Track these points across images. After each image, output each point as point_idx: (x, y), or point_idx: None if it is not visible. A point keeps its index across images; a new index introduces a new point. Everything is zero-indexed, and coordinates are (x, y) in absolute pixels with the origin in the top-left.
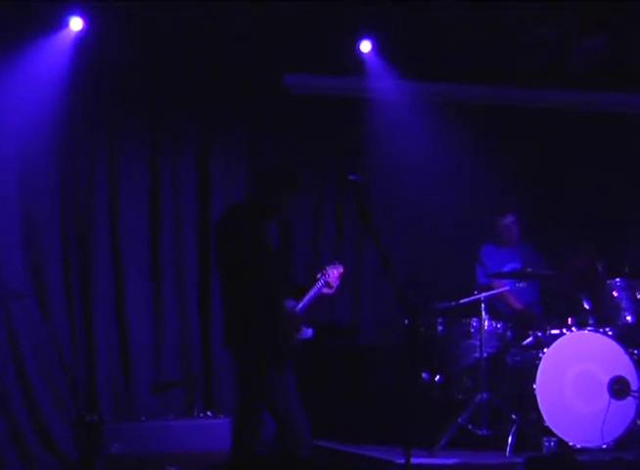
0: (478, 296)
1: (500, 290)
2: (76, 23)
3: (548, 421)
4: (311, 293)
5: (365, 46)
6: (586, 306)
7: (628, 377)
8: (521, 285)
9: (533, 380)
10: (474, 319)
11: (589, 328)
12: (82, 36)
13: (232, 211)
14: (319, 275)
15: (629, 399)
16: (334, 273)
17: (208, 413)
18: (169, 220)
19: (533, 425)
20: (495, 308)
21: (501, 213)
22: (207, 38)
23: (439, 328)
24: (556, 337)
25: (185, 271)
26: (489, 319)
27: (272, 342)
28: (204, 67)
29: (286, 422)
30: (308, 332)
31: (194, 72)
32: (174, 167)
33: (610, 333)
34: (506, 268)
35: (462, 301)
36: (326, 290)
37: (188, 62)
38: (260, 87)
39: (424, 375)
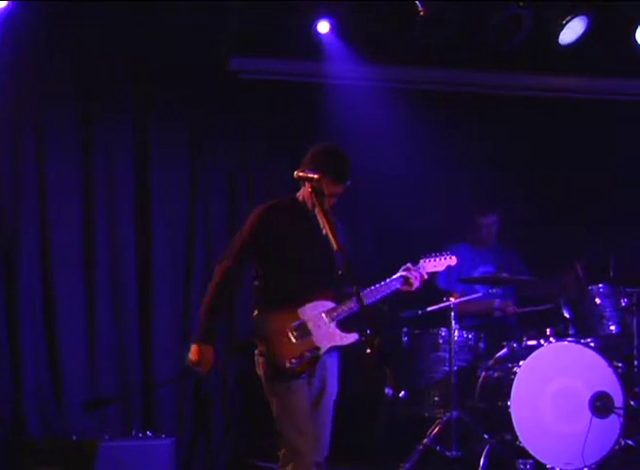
0: (446, 303)
1: (473, 296)
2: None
3: (524, 441)
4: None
5: (323, 27)
6: (566, 315)
7: (611, 393)
8: (495, 291)
9: (508, 396)
10: (442, 329)
11: (569, 339)
12: (5, 18)
13: None
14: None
15: (613, 416)
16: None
17: (148, 433)
18: (103, 221)
19: (507, 446)
20: (466, 317)
21: (484, 212)
22: (146, 20)
23: (404, 339)
24: (533, 349)
25: (122, 278)
26: (460, 329)
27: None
28: (143, 51)
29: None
30: (351, 337)
31: (132, 58)
32: (110, 163)
33: (592, 344)
34: (478, 271)
35: (429, 308)
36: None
37: (125, 46)
38: (205, 72)
39: (387, 391)
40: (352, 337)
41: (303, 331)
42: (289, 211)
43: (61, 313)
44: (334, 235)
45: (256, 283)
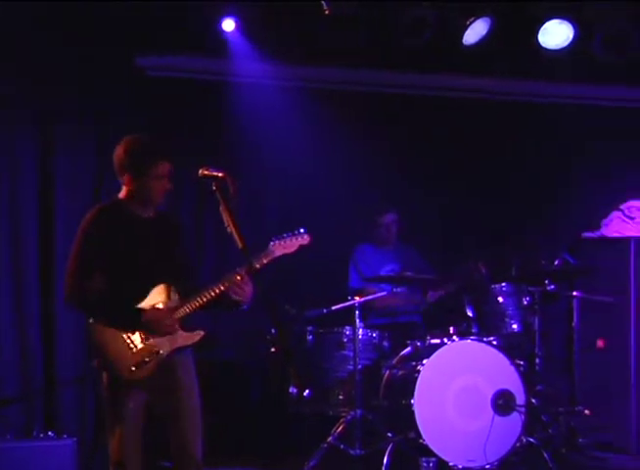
0: (351, 302)
1: (378, 295)
2: None
3: (427, 440)
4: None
5: (228, 25)
6: (469, 314)
7: (514, 391)
8: (399, 290)
9: (411, 394)
10: (347, 328)
11: (472, 337)
12: None
13: None
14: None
15: (514, 414)
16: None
17: (49, 433)
18: (5, 221)
19: (411, 444)
20: (369, 316)
21: (381, 211)
22: (47, 19)
23: (309, 338)
24: (436, 347)
25: (24, 275)
26: (364, 328)
27: None
28: (45, 49)
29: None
30: (195, 336)
31: (35, 57)
32: (12, 166)
33: (494, 343)
34: (383, 271)
35: (334, 307)
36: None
37: (28, 43)
38: (111, 69)
39: (292, 390)
40: (196, 335)
41: (141, 335)
42: (116, 213)
43: None
44: (238, 233)
45: None
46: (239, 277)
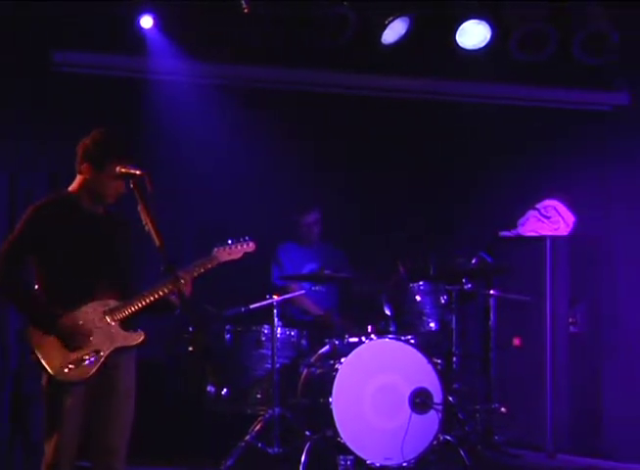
0: (269, 300)
1: (294, 294)
2: None
3: (345, 438)
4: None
5: (146, 22)
6: (387, 312)
7: (431, 389)
8: (318, 288)
9: (329, 393)
10: (265, 326)
11: (390, 336)
12: None
13: None
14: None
15: (432, 412)
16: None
17: None
18: None
19: (329, 442)
20: (289, 314)
21: (303, 211)
22: None
23: (227, 336)
24: (354, 345)
25: None
26: (282, 326)
27: None
28: None
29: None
30: (136, 336)
31: None
32: None
33: (412, 341)
34: (305, 270)
35: (252, 306)
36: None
37: None
38: (27, 65)
39: (209, 388)
40: (138, 336)
41: (81, 335)
42: (65, 206)
43: None
44: (156, 232)
45: (36, 287)
46: (183, 280)
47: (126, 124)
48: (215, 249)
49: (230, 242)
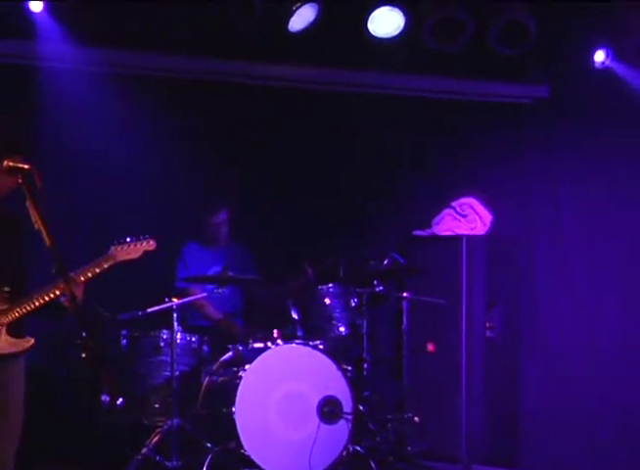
0: (168, 304)
1: (195, 297)
2: None
3: (248, 450)
4: None
5: (35, 6)
6: (294, 316)
7: (340, 397)
8: (221, 291)
9: (232, 402)
10: (164, 331)
11: (297, 341)
12: None
13: None
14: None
15: (341, 422)
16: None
17: None
18: None
19: (231, 454)
20: (189, 319)
21: (211, 210)
22: None
23: (123, 342)
24: (259, 352)
25: None
26: (182, 332)
27: None
28: None
29: None
30: (24, 342)
31: None
32: None
33: (320, 347)
34: (211, 271)
35: (150, 310)
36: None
37: None
38: None
39: (104, 398)
40: (26, 342)
41: None
42: None
43: None
44: (47, 230)
45: None
46: (75, 282)
47: (15, 115)
48: (112, 247)
49: (129, 240)
